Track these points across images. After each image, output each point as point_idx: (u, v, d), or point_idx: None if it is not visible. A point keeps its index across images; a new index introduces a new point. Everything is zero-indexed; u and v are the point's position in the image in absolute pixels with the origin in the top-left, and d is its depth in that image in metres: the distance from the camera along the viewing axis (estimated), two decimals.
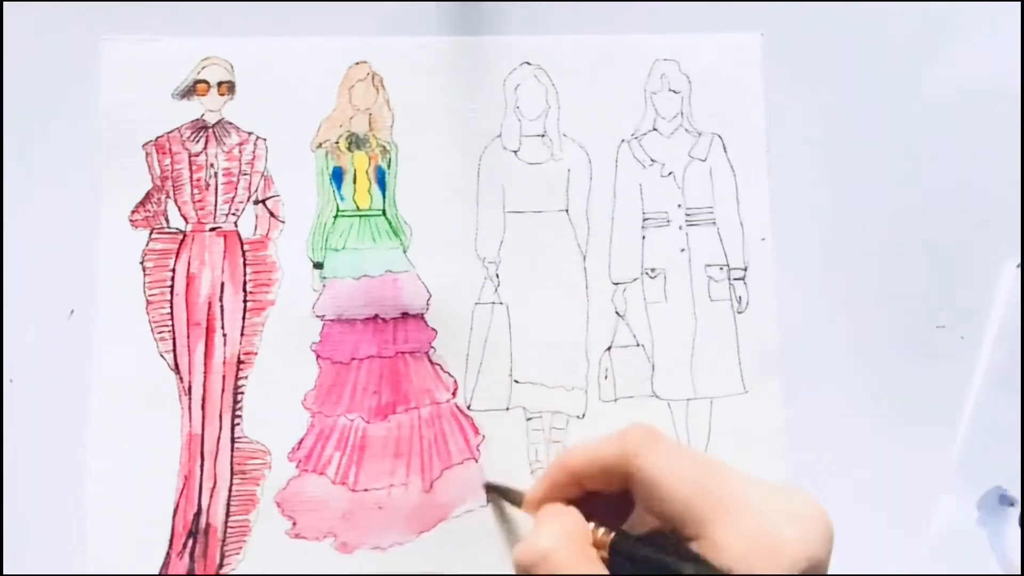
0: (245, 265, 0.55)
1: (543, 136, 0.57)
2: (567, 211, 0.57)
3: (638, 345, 0.56)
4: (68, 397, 0.53)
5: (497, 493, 0.53)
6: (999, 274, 0.58)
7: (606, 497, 0.42)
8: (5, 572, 0.52)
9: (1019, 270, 0.57)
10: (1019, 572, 0.55)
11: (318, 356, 0.54)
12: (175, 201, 0.55)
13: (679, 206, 0.57)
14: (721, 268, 0.57)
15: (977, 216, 0.58)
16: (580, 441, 0.43)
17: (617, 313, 0.56)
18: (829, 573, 0.35)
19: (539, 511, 0.42)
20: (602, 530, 0.39)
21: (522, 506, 0.46)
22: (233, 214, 0.55)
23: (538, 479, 0.44)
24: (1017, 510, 0.55)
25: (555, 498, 0.42)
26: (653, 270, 0.57)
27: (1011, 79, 0.59)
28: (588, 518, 0.41)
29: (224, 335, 0.54)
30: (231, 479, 0.53)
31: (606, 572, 0.37)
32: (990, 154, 0.58)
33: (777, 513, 0.35)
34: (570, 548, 0.38)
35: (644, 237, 0.57)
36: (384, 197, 0.56)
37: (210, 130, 0.55)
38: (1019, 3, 0.59)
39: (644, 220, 0.57)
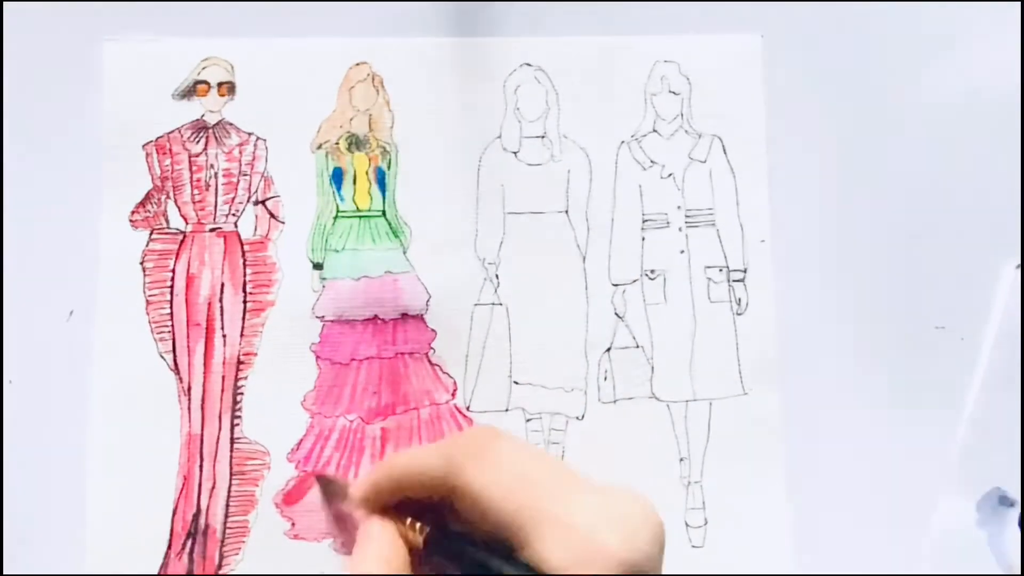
0: (245, 266, 0.55)
1: (543, 137, 0.57)
2: (567, 212, 0.57)
3: (637, 346, 0.56)
4: (68, 397, 0.53)
5: (322, 484, 0.51)
6: (999, 275, 0.58)
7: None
8: (5, 572, 0.52)
9: (1019, 271, 0.57)
10: (1018, 573, 0.55)
11: (318, 357, 0.54)
12: (175, 202, 0.55)
13: (679, 208, 0.57)
14: (721, 270, 0.57)
15: (977, 217, 0.58)
16: (408, 449, 0.43)
17: (617, 314, 0.56)
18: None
19: (363, 525, 0.42)
20: (419, 524, 0.39)
21: (343, 501, 0.45)
22: (233, 215, 0.55)
23: (361, 479, 0.43)
24: (1017, 511, 0.55)
25: (377, 500, 0.42)
26: (653, 271, 0.57)
27: (1011, 79, 0.59)
28: (407, 513, 0.41)
29: (224, 336, 0.54)
30: (230, 479, 0.53)
31: None
32: (990, 155, 0.58)
33: (599, 520, 0.36)
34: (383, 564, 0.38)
35: (644, 238, 0.57)
36: (384, 198, 0.56)
37: (210, 131, 0.55)
38: (1019, 3, 0.59)
39: (644, 221, 0.57)
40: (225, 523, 0.53)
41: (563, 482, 0.38)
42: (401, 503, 0.41)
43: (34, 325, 0.53)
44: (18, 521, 0.52)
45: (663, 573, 0.37)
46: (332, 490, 0.47)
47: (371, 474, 0.42)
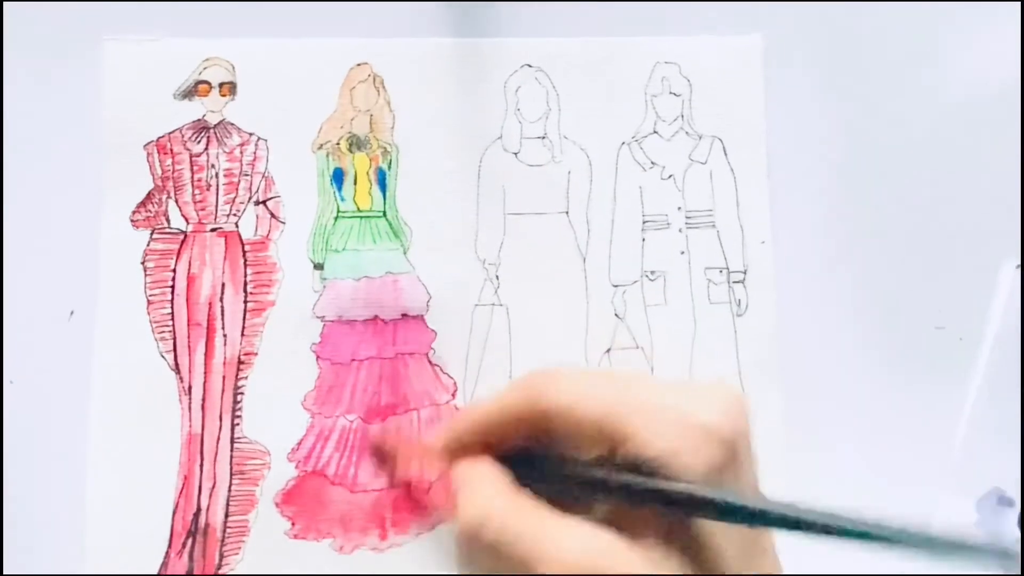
0: (246, 266, 0.55)
1: (543, 138, 0.57)
2: (567, 213, 0.57)
3: (637, 347, 0.56)
4: (68, 397, 0.53)
5: (376, 452, 0.48)
6: (998, 275, 0.58)
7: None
8: (5, 572, 0.52)
9: (1018, 271, 0.58)
10: (1018, 573, 0.55)
11: (318, 357, 0.54)
12: (176, 201, 0.55)
13: (679, 209, 0.57)
14: (721, 271, 0.57)
15: (977, 217, 0.58)
16: (482, 400, 0.42)
17: (617, 315, 0.56)
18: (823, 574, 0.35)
19: (454, 472, 0.39)
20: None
21: (408, 460, 0.44)
22: (234, 215, 0.55)
23: (441, 429, 0.41)
24: (1016, 511, 0.55)
25: (458, 452, 0.40)
26: (653, 272, 0.57)
27: (1011, 79, 0.59)
28: None
29: (224, 335, 0.54)
30: (230, 479, 0.53)
31: (550, 514, 0.35)
32: (990, 155, 0.59)
33: (692, 401, 0.36)
34: (508, 500, 0.36)
35: (644, 239, 0.57)
36: (385, 198, 0.56)
37: (211, 131, 0.55)
38: (1019, 3, 0.59)
39: (644, 222, 0.57)
40: (225, 522, 0.52)
41: (646, 381, 0.38)
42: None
43: (35, 325, 0.53)
44: (18, 521, 0.52)
45: (755, 459, 0.37)
46: (385, 456, 0.46)
47: (453, 423, 0.40)
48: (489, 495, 0.36)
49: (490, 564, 0.35)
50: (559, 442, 0.38)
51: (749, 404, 0.37)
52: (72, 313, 0.54)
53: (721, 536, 0.34)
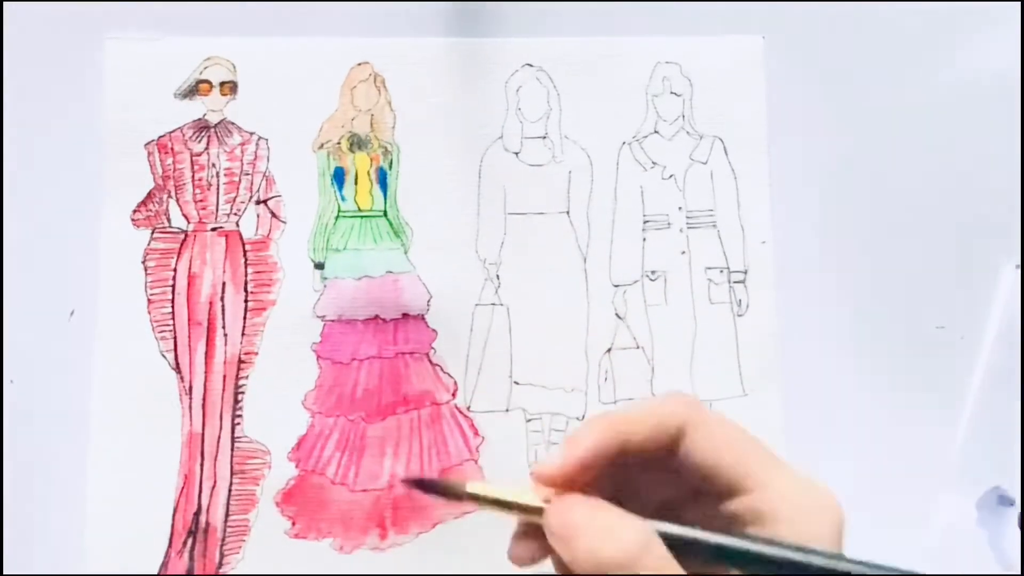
0: (246, 265, 0.55)
1: (544, 138, 0.57)
2: (568, 213, 0.57)
3: (638, 347, 0.56)
4: (69, 397, 0.53)
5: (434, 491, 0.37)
6: (999, 274, 0.58)
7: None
8: (5, 572, 0.52)
9: (1019, 270, 0.58)
10: (1018, 572, 0.55)
11: (319, 356, 0.54)
12: (177, 201, 0.55)
13: (680, 209, 0.57)
14: (721, 271, 0.57)
15: (977, 216, 0.58)
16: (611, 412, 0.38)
17: (617, 315, 0.56)
18: None
19: (574, 504, 0.34)
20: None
21: (530, 482, 0.36)
22: (235, 214, 0.55)
23: (573, 442, 0.35)
24: (1016, 510, 0.55)
25: (585, 473, 0.35)
26: (653, 272, 0.57)
27: (1011, 79, 0.59)
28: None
29: (225, 335, 0.54)
30: (231, 478, 0.53)
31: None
32: (990, 155, 0.59)
33: (812, 478, 0.36)
34: (658, 546, 0.32)
35: (645, 239, 0.57)
36: (385, 198, 0.56)
37: (212, 130, 0.55)
38: (1019, 3, 0.59)
39: (645, 222, 0.57)
40: (226, 522, 0.52)
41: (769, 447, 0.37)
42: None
43: (35, 324, 0.53)
44: (18, 521, 0.52)
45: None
46: (447, 493, 0.36)
47: (588, 433, 0.35)
48: (642, 533, 0.33)
49: None
50: (683, 459, 0.36)
51: (844, 517, 0.36)
52: (72, 313, 0.53)
53: None
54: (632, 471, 0.37)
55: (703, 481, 0.37)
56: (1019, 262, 0.58)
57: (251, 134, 0.55)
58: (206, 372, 0.54)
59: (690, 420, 0.36)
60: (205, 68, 0.55)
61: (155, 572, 0.52)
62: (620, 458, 0.36)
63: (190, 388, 0.53)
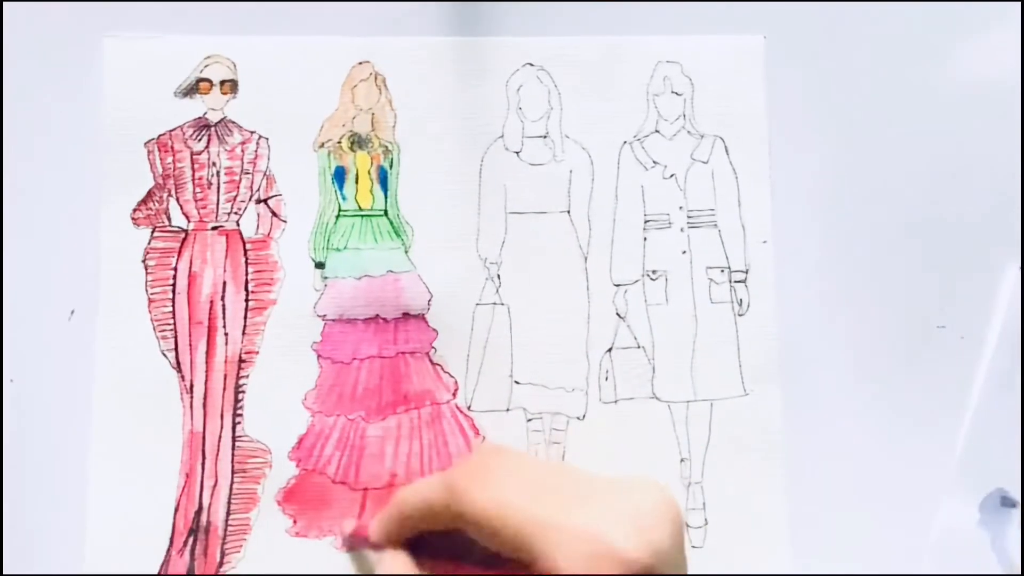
0: (247, 264, 0.55)
1: (545, 137, 0.57)
2: (569, 212, 0.57)
3: (639, 347, 0.56)
4: (69, 396, 0.53)
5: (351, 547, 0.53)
6: (1000, 274, 0.58)
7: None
8: (5, 572, 0.52)
9: (1020, 270, 0.58)
10: (1019, 573, 0.55)
11: (319, 356, 0.54)
12: (177, 199, 0.55)
13: (681, 208, 0.57)
14: (722, 270, 0.57)
15: (978, 215, 0.58)
16: (415, 483, 0.48)
17: (618, 314, 0.56)
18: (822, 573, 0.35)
19: (377, 559, 0.47)
20: None
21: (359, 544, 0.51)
22: (235, 213, 0.55)
23: (374, 521, 0.48)
24: (1019, 512, 0.55)
25: (391, 538, 0.46)
26: (654, 272, 0.57)
27: (1011, 79, 0.59)
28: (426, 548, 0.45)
29: (226, 334, 0.54)
30: (232, 477, 0.53)
31: None
32: (991, 155, 0.59)
33: (606, 520, 0.36)
34: None
35: (645, 239, 0.57)
36: (386, 197, 0.56)
37: (212, 129, 0.55)
38: (1019, 3, 0.59)
39: (646, 222, 0.57)
40: (227, 520, 0.53)
41: (569, 487, 0.38)
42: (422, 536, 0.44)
43: (35, 323, 0.53)
44: (18, 521, 0.52)
45: (683, 567, 0.37)
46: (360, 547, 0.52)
47: (382, 515, 0.46)
48: None
49: None
50: (474, 537, 0.39)
51: (679, 516, 0.36)
52: (73, 312, 0.53)
53: None
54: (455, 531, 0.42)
55: (497, 551, 0.38)
56: (1020, 262, 0.58)
57: (251, 133, 0.55)
58: (207, 371, 0.54)
59: (463, 496, 0.40)
60: (205, 66, 0.55)
61: (156, 571, 0.52)
62: (412, 529, 0.45)
63: (191, 387, 0.53)
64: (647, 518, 0.36)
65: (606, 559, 0.34)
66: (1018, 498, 0.56)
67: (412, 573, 0.43)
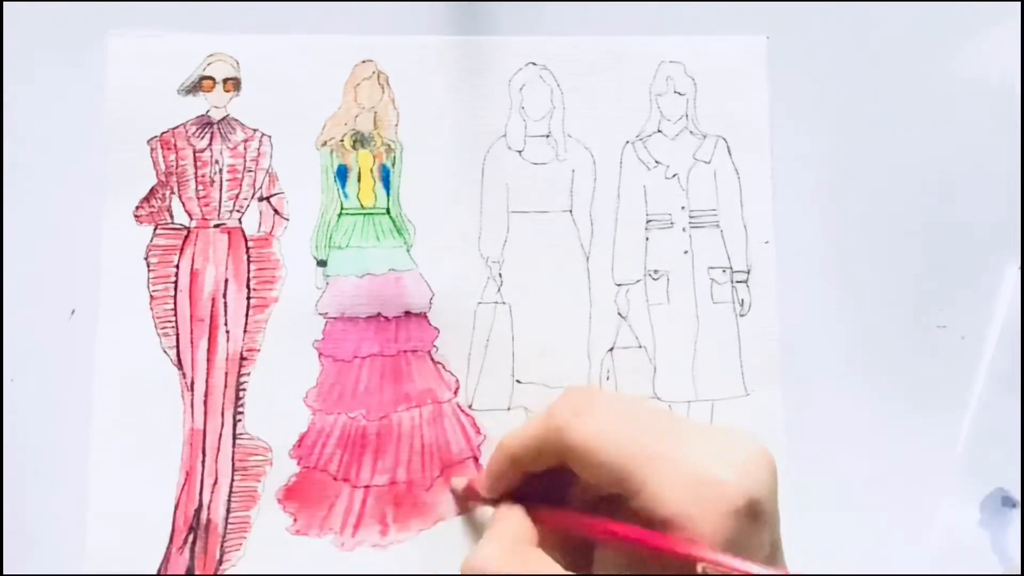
0: (249, 262, 0.55)
1: (548, 136, 0.57)
2: (571, 212, 0.57)
3: (640, 346, 0.56)
4: (70, 393, 0.53)
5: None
6: (1000, 274, 0.58)
7: (551, 472, 0.43)
8: (5, 572, 0.51)
9: (1020, 270, 0.58)
10: (1020, 573, 0.55)
11: (320, 354, 0.54)
12: (180, 197, 0.55)
13: (683, 208, 0.57)
14: (724, 270, 0.57)
15: (979, 215, 0.58)
16: (514, 428, 0.45)
17: (619, 314, 0.56)
18: (838, 574, 0.35)
19: (493, 513, 0.45)
20: None
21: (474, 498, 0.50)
22: (237, 211, 0.55)
23: (481, 474, 0.47)
24: (1019, 512, 0.56)
25: (500, 487, 0.45)
26: (656, 272, 0.57)
27: (1012, 79, 0.59)
28: (536, 498, 0.43)
29: (227, 332, 0.54)
30: (232, 475, 0.53)
31: (549, 570, 0.38)
32: (992, 155, 0.59)
33: (711, 457, 0.35)
34: (507, 554, 0.39)
35: (647, 239, 0.57)
36: (388, 196, 0.56)
37: (215, 126, 0.55)
38: (1019, 3, 0.59)
39: (648, 222, 0.57)
40: (227, 518, 0.52)
41: (669, 424, 0.38)
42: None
43: (36, 321, 0.53)
44: (18, 521, 0.52)
45: (778, 521, 0.36)
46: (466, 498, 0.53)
47: (489, 464, 0.45)
48: (504, 546, 0.40)
49: None
50: (577, 474, 0.39)
51: (775, 462, 0.36)
52: (73, 312, 0.53)
53: None
54: (560, 473, 0.41)
55: (599, 487, 0.38)
56: (1020, 262, 0.58)
57: (254, 131, 0.55)
58: (208, 369, 0.54)
59: (567, 429, 0.39)
60: (208, 64, 0.55)
61: (156, 569, 0.52)
62: (520, 473, 0.43)
63: (192, 385, 0.53)
64: (749, 462, 0.36)
65: (711, 492, 0.34)
66: (1018, 498, 0.56)
67: (527, 525, 0.42)
